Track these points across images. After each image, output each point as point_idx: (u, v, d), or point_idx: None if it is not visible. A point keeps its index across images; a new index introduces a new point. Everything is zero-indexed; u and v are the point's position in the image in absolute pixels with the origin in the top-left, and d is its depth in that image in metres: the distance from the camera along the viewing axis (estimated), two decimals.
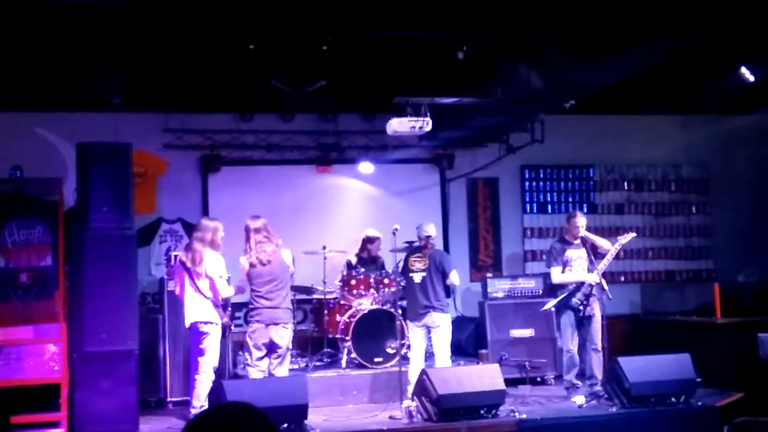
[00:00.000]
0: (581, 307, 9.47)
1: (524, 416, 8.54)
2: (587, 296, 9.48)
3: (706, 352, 9.77)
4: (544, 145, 11.16)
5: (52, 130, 10.97)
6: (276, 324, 8.66)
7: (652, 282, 13.03)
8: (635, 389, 8.67)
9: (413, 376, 9.03)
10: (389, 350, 9.99)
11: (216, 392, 8.32)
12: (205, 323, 8.76)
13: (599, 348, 9.48)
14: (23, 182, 8.93)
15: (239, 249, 8.95)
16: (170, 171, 11.46)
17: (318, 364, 10.40)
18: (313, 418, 8.45)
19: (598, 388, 9.31)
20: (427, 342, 9.50)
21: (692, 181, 13.37)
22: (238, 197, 11.35)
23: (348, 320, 10.14)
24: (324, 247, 10.59)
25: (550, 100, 9.93)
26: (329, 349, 10.58)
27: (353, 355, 9.97)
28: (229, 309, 9.13)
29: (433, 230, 9.66)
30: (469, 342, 11.28)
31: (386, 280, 10.50)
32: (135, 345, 8.67)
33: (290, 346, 8.96)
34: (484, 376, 8.78)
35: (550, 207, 12.85)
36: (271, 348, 8.72)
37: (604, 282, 9.49)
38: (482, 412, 8.45)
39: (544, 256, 11.14)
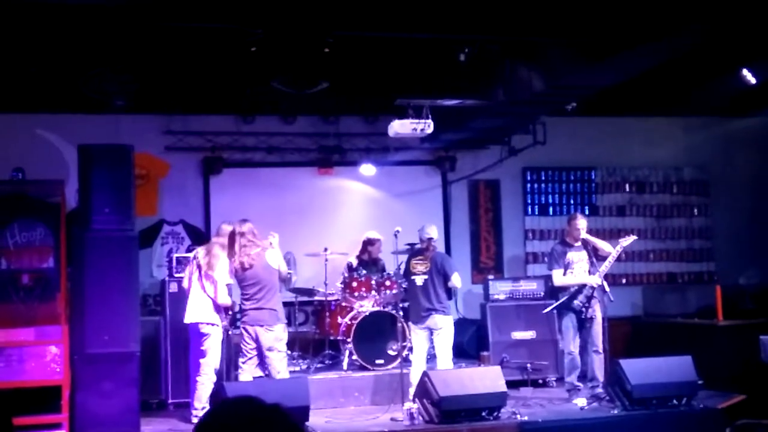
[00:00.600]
0: (583, 310, 9.47)
1: (526, 418, 8.54)
2: (588, 298, 9.47)
3: (708, 354, 9.77)
4: (546, 147, 11.16)
5: (54, 131, 10.99)
6: (260, 326, 8.67)
7: (653, 284, 13.02)
8: (637, 391, 8.67)
9: (415, 378, 9.03)
10: (390, 352, 9.99)
11: (217, 394, 8.34)
12: (207, 324, 8.78)
13: (600, 350, 9.48)
14: (25, 184, 8.93)
15: None
16: (172, 173, 11.48)
17: (319, 365, 10.41)
18: (314, 419, 8.46)
19: (600, 390, 9.31)
20: (429, 344, 9.50)
21: (694, 183, 13.37)
22: (240, 199, 11.36)
23: (349, 322, 10.14)
24: (325, 249, 10.59)
25: (552, 102, 9.93)
26: (331, 351, 10.57)
27: (354, 357, 9.97)
28: (230, 312, 9.13)
29: (435, 232, 9.67)
30: (470, 344, 11.27)
31: (387, 282, 10.50)
32: (136, 347, 8.67)
33: (282, 349, 8.91)
34: (486, 378, 8.78)
35: (551, 209, 12.85)
36: (260, 350, 8.73)
37: (605, 284, 9.49)
38: (484, 414, 8.44)
39: (545, 259, 11.13)
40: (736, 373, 9.99)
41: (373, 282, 10.51)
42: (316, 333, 10.96)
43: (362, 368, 9.99)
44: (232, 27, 7.92)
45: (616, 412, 8.76)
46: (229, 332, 9.21)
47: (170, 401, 9.86)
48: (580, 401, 9.20)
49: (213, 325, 8.81)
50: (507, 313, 11.10)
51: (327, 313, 10.49)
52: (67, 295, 8.66)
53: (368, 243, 11.03)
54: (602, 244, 9.72)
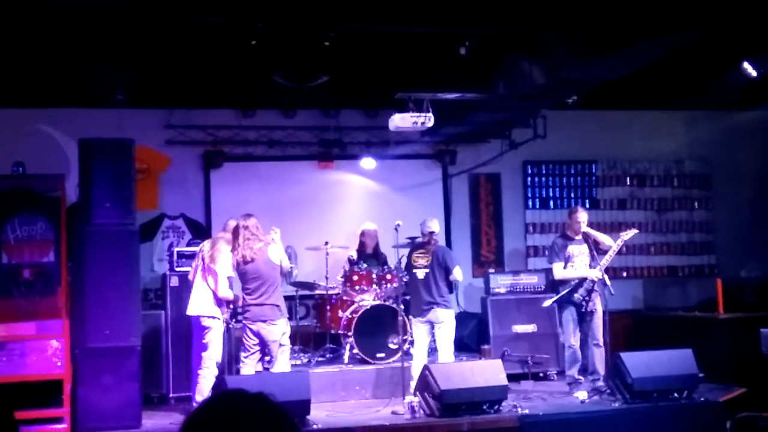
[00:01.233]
0: (583, 303, 9.47)
1: (526, 411, 8.54)
2: (589, 292, 9.47)
3: (709, 347, 9.78)
4: (547, 141, 11.16)
5: (55, 126, 10.99)
6: (263, 321, 8.67)
7: (654, 277, 13.02)
8: (637, 384, 8.68)
9: (416, 372, 9.04)
10: (391, 346, 10.00)
11: (219, 387, 8.34)
12: (208, 317, 8.79)
13: (601, 343, 9.48)
14: (26, 178, 8.92)
15: None
16: (172, 167, 11.49)
17: (320, 359, 10.41)
18: (315, 413, 8.47)
19: (601, 383, 9.31)
20: (430, 338, 9.51)
21: (695, 176, 13.36)
22: (240, 193, 11.37)
23: (350, 316, 10.15)
24: (326, 243, 10.60)
25: (553, 96, 9.93)
26: (331, 345, 10.58)
27: (355, 351, 9.98)
28: (231, 306, 9.14)
29: (436, 226, 9.67)
30: (471, 338, 11.29)
31: (388, 276, 10.51)
32: (137, 341, 8.69)
33: (285, 342, 8.92)
34: (487, 371, 8.79)
35: (552, 202, 12.85)
36: (264, 345, 8.74)
37: (606, 277, 9.48)
38: (485, 407, 8.45)
39: (546, 252, 11.14)
40: (736, 366, 10.00)
41: (373, 275, 10.51)
42: (317, 327, 10.97)
43: (363, 362, 10.00)
44: (232, 21, 7.91)
45: (616, 405, 8.77)
46: (230, 325, 9.20)
47: (171, 395, 9.88)
48: (581, 394, 9.20)
49: (214, 318, 8.81)
50: (508, 307, 11.10)
51: (328, 307, 10.49)
52: (67, 290, 8.66)
53: (361, 235, 11.06)
54: (603, 238, 9.71)
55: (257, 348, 8.74)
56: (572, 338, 9.59)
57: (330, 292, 10.52)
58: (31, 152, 9.95)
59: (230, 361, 9.47)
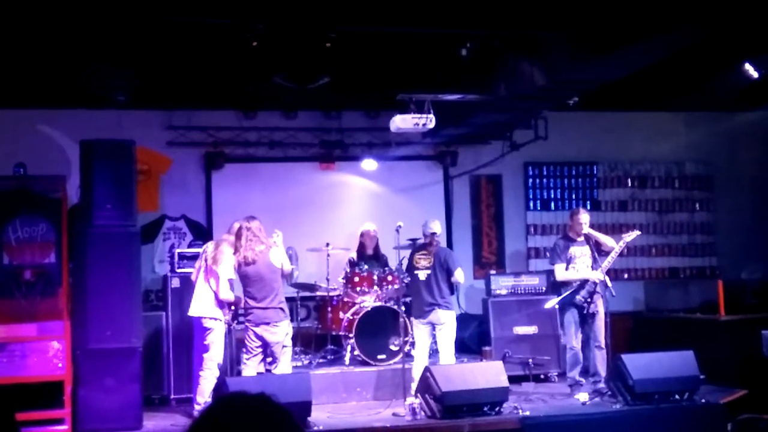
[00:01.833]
0: (585, 305, 9.45)
1: (527, 413, 8.55)
2: (591, 293, 9.46)
3: (710, 349, 9.77)
4: (548, 142, 11.15)
5: (56, 127, 11.00)
6: (266, 324, 8.67)
7: (655, 279, 13.01)
8: (639, 386, 8.67)
9: (417, 373, 9.04)
10: (392, 347, 9.99)
11: (220, 389, 8.35)
12: (209, 319, 8.79)
13: (603, 345, 9.47)
14: (27, 179, 8.93)
15: None
16: (174, 168, 11.49)
17: (321, 361, 10.41)
18: (316, 415, 8.47)
19: (602, 385, 9.30)
20: (432, 339, 9.50)
21: (696, 178, 13.36)
22: (242, 194, 11.37)
23: (351, 317, 10.14)
24: (327, 244, 10.60)
25: (554, 97, 9.92)
26: (333, 346, 10.58)
27: (356, 352, 9.98)
28: (232, 308, 9.14)
29: (438, 227, 9.67)
30: (472, 339, 11.28)
31: (389, 277, 10.50)
32: (138, 342, 8.70)
33: (288, 344, 8.94)
34: (488, 373, 8.78)
35: (553, 204, 12.84)
36: (266, 347, 8.74)
37: (607, 279, 9.47)
38: (485, 409, 8.45)
39: (547, 253, 11.13)
40: (738, 368, 9.99)
41: (374, 277, 10.50)
42: (318, 328, 10.97)
43: (364, 363, 10.00)
44: (233, 22, 7.91)
45: (617, 407, 8.76)
46: (231, 327, 9.20)
47: (173, 397, 9.87)
48: (582, 396, 9.19)
49: (215, 319, 8.81)
50: (509, 308, 11.09)
51: (329, 309, 10.49)
52: (69, 291, 8.67)
53: (360, 236, 11.06)
54: (605, 239, 9.70)
55: (259, 350, 8.74)
56: (574, 340, 9.58)
57: (331, 293, 10.52)
58: (32, 153, 9.95)
59: (231, 363, 9.47)
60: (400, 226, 9.57)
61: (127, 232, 8.77)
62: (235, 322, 9.36)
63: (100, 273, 8.57)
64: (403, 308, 9.92)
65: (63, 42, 9.31)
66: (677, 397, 8.82)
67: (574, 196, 12.89)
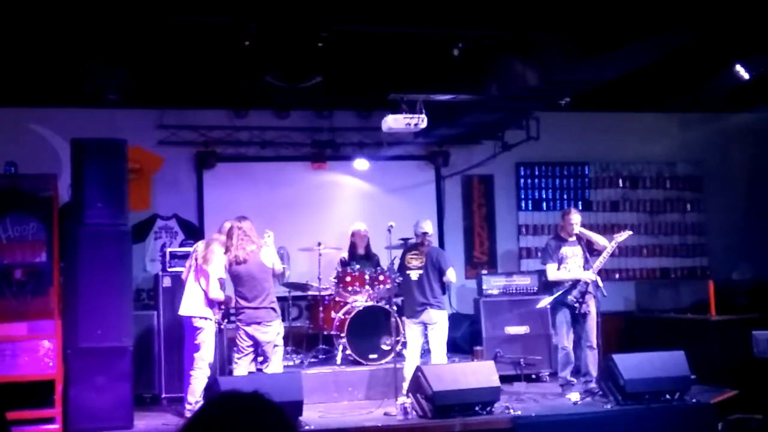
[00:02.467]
0: (577, 305, 9.46)
1: (519, 413, 8.55)
2: (583, 294, 9.47)
3: (701, 349, 9.78)
4: (539, 143, 11.15)
5: (47, 125, 10.97)
6: (258, 323, 8.67)
7: (646, 279, 13.05)
8: (630, 386, 8.69)
9: (408, 373, 9.04)
10: (384, 347, 9.99)
11: (211, 388, 8.34)
12: (199, 318, 8.78)
13: (594, 345, 9.48)
14: (17, 178, 8.90)
15: None
16: (165, 167, 11.48)
17: (313, 360, 10.40)
18: (308, 414, 8.47)
19: (593, 385, 9.32)
20: (423, 339, 9.50)
21: (687, 178, 13.39)
22: (233, 194, 11.36)
23: (343, 317, 10.14)
24: (319, 244, 10.60)
25: (546, 97, 9.93)
26: (324, 346, 10.57)
27: (348, 352, 9.98)
28: (223, 307, 9.12)
29: (430, 227, 9.67)
30: (464, 339, 11.28)
31: (381, 277, 10.50)
32: (130, 341, 8.68)
33: (279, 343, 8.95)
34: (479, 373, 8.79)
35: (545, 204, 12.86)
36: (257, 346, 8.74)
37: (599, 279, 9.49)
38: (477, 408, 8.45)
39: (539, 253, 11.13)
40: (728, 368, 10.01)
41: (366, 277, 10.50)
42: (309, 328, 10.96)
43: (356, 363, 9.99)
44: (225, 21, 7.90)
45: (609, 406, 8.78)
46: (221, 326, 9.19)
47: (164, 396, 9.84)
48: (574, 396, 9.21)
49: (205, 319, 8.80)
50: (500, 308, 11.09)
51: (321, 308, 10.48)
52: (59, 290, 8.64)
53: (351, 235, 11.08)
54: (597, 238, 9.71)
55: (251, 349, 8.74)
56: (566, 340, 9.59)
57: (323, 293, 10.52)
58: (23, 152, 9.93)
59: (222, 362, 9.45)
60: (391, 226, 9.57)
61: (118, 231, 8.75)
62: (225, 321, 9.35)
63: (91, 272, 8.55)
64: (395, 308, 9.92)
65: (55, 40, 9.28)
66: (668, 397, 8.84)
67: (565, 197, 12.92)
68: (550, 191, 12.91)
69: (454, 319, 11.06)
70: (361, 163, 11.86)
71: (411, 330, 9.47)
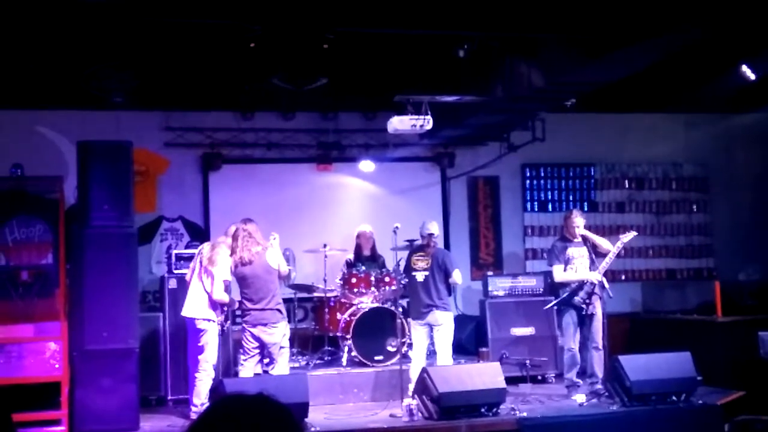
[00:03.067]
0: (583, 306, 9.45)
1: (525, 414, 8.54)
2: (589, 295, 9.45)
3: (707, 350, 9.77)
4: (545, 144, 11.13)
5: (53, 128, 10.97)
6: (264, 325, 8.68)
7: (652, 280, 13.02)
8: (636, 387, 8.68)
9: (414, 375, 9.04)
10: (390, 348, 9.99)
11: (217, 390, 8.34)
12: (203, 320, 8.79)
13: (600, 346, 9.46)
14: (24, 180, 8.93)
15: None
16: (171, 169, 11.48)
17: (319, 362, 10.41)
18: (313, 416, 8.46)
19: (599, 386, 9.30)
20: (429, 340, 9.50)
21: (693, 179, 13.37)
22: (239, 195, 11.37)
23: (349, 318, 10.14)
24: (324, 246, 10.60)
25: (551, 99, 9.92)
26: (330, 348, 10.58)
27: (354, 354, 9.97)
28: (226, 309, 9.13)
29: (436, 229, 9.67)
30: (469, 340, 11.27)
31: (387, 279, 10.50)
32: (135, 343, 8.68)
33: (285, 345, 8.94)
34: (485, 374, 8.78)
35: (550, 205, 12.84)
36: (263, 348, 8.74)
37: (605, 280, 9.47)
38: (483, 410, 8.45)
39: (545, 255, 11.13)
40: (735, 370, 10.00)
41: (372, 278, 10.50)
42: (315, 329, 10.97)
43: (361, 364, 9.99)
44: (231, 23, 7.92)
45: (615, 408, 8.77)
46: (225, 328, 9.18)
47: (170, 397, 9.85)
48: (579, 397, 9.20)
49: (209, 321, 8.81)
50: (506, 310, 11.09)
51: (326, 310, 10.49)
52: (66, 292, 8.66)
53: (357, 237, 11.08)
54: (601, 241, 9.69)
55: (257, 351, 8.75)
56: (572, 341, 9.57)
57: (328, 294, 10.52)
58: (29, 154, 9.94)
59: (228, 364, 9.46)
60: (397, 228, 9.57)
61: (124, 233, 8.76)
62: (228, 323, 9.35)
63: (97, 274, 8.56)
64: (400, 309, 9.92)
65: (61, 43, 9.31)
66: (674, 398, 8.82)
67: (571, 198, 12.90)
68: (555, 192, 12.89)
69: (460, 321, 11.05)
70: (366, 165, 11.86)
71: (416, 331, 9.46)
